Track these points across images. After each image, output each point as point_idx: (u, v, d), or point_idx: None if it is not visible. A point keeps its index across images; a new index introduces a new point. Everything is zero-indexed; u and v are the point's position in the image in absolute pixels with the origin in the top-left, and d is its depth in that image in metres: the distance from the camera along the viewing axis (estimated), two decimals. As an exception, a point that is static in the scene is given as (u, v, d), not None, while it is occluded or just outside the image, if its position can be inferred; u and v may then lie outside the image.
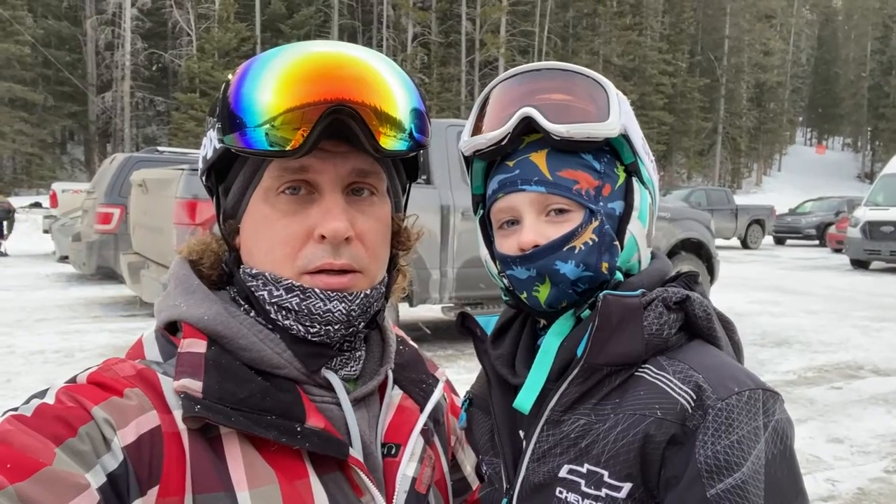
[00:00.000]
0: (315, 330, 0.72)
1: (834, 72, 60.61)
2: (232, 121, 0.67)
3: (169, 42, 34.17)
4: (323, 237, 0.70)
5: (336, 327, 0.72)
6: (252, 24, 33.64)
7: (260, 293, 0.72)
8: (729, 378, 0.70)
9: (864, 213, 13.98)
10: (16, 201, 18.51)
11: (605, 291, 0.74)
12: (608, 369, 0.73)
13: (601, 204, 0.77)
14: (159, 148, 11.38)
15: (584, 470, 0.72)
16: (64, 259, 10.47)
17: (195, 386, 0.65)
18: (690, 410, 0.69)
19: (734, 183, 47.19)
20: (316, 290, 0.71)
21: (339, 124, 0.67)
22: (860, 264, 14.58)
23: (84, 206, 9.18)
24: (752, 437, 0.67)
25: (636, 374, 0.73)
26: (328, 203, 0.70)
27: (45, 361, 5.42)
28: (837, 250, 17.33)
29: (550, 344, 0.78)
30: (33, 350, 5.77)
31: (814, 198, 25.30)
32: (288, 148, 0.66)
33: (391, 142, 0.70)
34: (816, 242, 21.68)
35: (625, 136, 0.78)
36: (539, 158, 0.78)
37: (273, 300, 0.72)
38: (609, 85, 0.79)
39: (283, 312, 0.72)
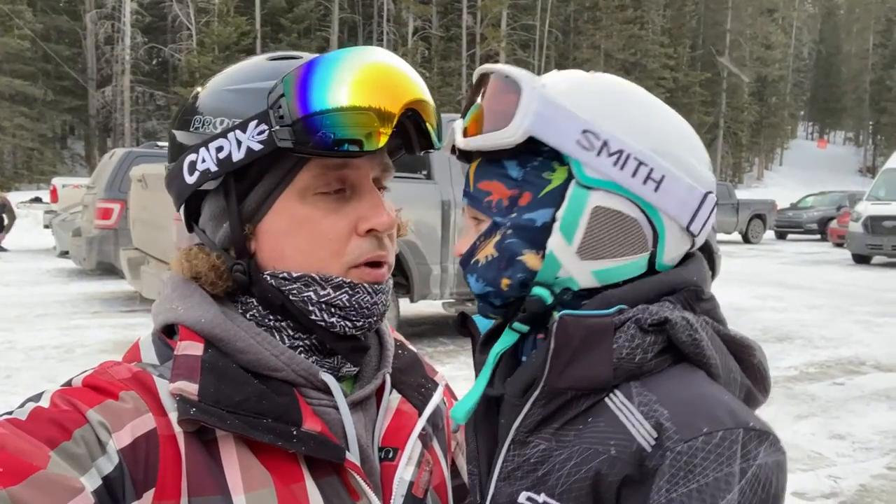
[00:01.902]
0: (360, 324, 0.74)
1: (836, 66, 60.53)
2: (307, 121, 0.66)
3: (169, 36, 34.15)
4: (368, 231, 0.72)
5: (375, 319, 0.76)
6: (252, 18, 33.58)
7: (303, 295, 0.72)
8: (701, 415, 0.61)
9: (866, 208, 13.97)
10: (16, 196, 18.55)
11: (562, 312, 0.68)
12: (572, 393, 0.67)
13: (512, 215, 0.72)
14: (159, 143, 11.35)
15: (540, 500, 0.67)
16: (64, 254, 10.49)
17: (191, 388, 0.65)
18: (650, 450, 0.61)
19: (735, 177, 47.21)
20: (365, 284, 0.73)
21: (403, 126, 0.71)
22: (862, 259, 14.58)
23: (84, 202, 9.18)
24: (720, 485, 0.58)
25: (605, 400, 0.67)
26: (372, 198, 0.73)
27: (46, 357, 5.43)
28: (839, 245, 17.33)
29: (491, 356, 0.75)
30: (33, 346, 5.79)
31: (815, 192, 25.27)
32: (366, 147, 0.68)
33: (434, 141, 0.76)
34: (818, 237, 21.67)
35: (541, 139, 0.70)
36: (472, 169, 0.77)
37: (321, 300, 0.72)
38: (525, 83, 0.71)
39: (331, 310, 0.72)
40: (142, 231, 6.36)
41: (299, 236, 0.72)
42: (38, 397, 0.63)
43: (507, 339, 0.75)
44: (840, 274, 12.67)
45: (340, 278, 0.72)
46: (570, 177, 0.70)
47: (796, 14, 58.09)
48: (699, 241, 0.74)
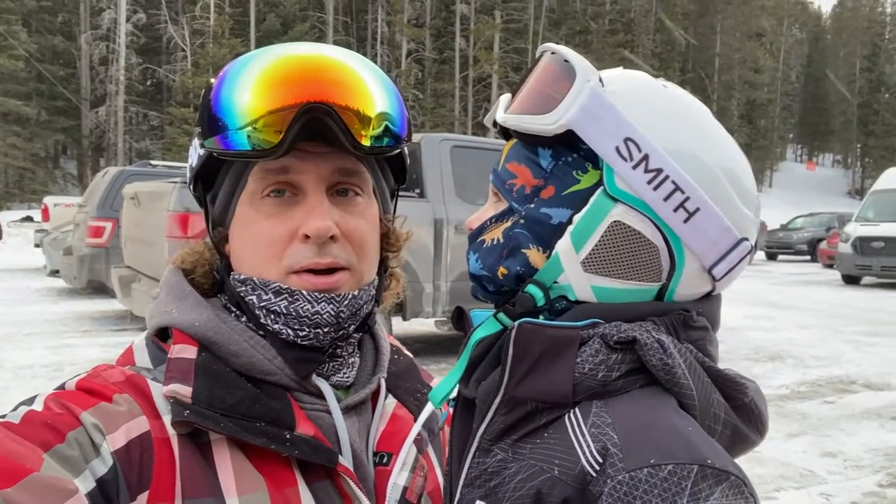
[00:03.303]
0: (304, 333, 0.72)
1: (824, 89, 61.38)
2: (213, 124, 0.69)
3: (163, 57, 34.31)
4: (307, 237, 0.70)
5: (325, 330, 0.72)
6: (247, 39, 33.79)
7: (249, 298, 0.73)
8: (653, 445, 0.56)
9: (855, 229, 14.07)
10: (7, 215, 18.43)
11: (522, 319, 0.64)
12: (533, 405, 0.62)
13: (530, 205, 0.68)
14: (152, 162, 11.36)
15: None
16: (55, 273, 10.41)
17: (184, 391, 0.65)
18: (594, 474, 0.57)
19: (726, 199, 47.37)
20: (303, 291, 0.71)
21: (315, 123, 0.67)
22: (851, 279, 14.65)
23: (76, 220, 9.13)
24: None
25: (564, 416, 0.62)
26: (311, 203, 0.71)
27: (35, 376, 5.36)
28: (829, 265, 17.42)
29: (470, 343, 0.71)
30: (22, 364, 5.72)
31: (805, 214, 25.47)
32: (267, 148, 0.67)
33: (370, 139, 0.70)
34: (808, 258, 21.80)
35: (582, 136, 0.65)
36: (508, 146, 0.74)
37: (262, 304, 0.72)
38: (581, 72, 0.66)
39: (273, 316, 0.72)
40: (133, 249, 6.33)
41: (245, 239, 0.73)
42: (31, 401, 0.64)
43: (488, 328, 0.71)
44: (830, 294, 12.72)
45: (278, 284, 0.71)
46: (599, 182, 0.65)
47: (784, 39, 59.01)
48: (721, 287, 0.69)
